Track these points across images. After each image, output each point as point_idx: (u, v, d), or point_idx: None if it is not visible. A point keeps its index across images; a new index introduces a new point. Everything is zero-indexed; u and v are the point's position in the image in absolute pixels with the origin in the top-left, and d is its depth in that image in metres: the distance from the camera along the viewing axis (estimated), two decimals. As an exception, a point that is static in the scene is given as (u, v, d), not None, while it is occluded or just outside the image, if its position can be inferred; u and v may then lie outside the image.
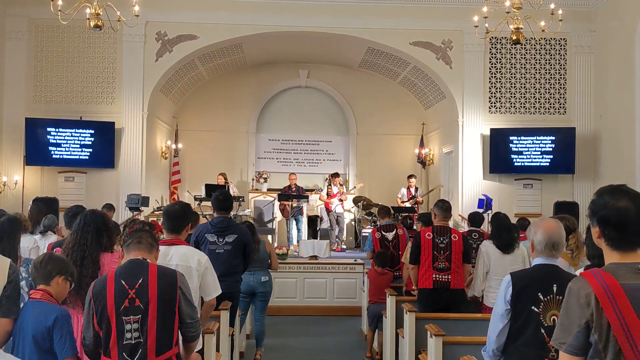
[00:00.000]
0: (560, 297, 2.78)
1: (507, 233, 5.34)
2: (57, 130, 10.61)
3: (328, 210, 11.92)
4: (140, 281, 2.78)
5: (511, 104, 11.32)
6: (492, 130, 11.07)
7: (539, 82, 11.30)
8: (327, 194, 11.89)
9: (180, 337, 2.95)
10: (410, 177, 12.07)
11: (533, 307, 2.79)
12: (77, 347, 2.81)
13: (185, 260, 3.62)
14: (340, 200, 11.88)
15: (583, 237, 4.57)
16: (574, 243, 4.54)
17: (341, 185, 12.27)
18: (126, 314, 2.74)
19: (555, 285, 2.81)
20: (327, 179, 13.70)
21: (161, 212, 10.80)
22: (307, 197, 11.70)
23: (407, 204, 11.74)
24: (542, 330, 2.78)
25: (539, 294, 2.80)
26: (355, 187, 12.49)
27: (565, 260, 4.48)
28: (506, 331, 2.83)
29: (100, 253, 3.44)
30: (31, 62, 10.78)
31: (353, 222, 12.96)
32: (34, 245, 5.36)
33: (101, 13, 7.64)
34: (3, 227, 3.58)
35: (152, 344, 2.74)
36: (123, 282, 2.78)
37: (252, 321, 6.81)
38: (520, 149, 11.06)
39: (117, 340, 2.73)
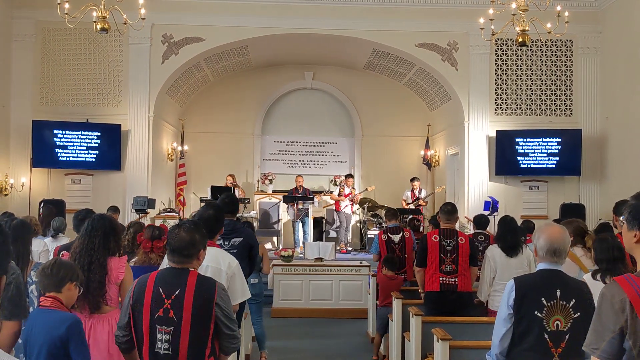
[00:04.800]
0: (564, 302, 2.78)
1: (511, 236, 5.33)
2: (63, 132, 10.66)
3: (337, 210, 11.98)
4: (177, 292, 2.70)
5: (517, 105, 11.29)
6: (498, 132, 11.05)
7: (545, 84, 11.27)
8: (339, 194, 11.96)
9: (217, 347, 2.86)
10: (413, 180, 12.06)
11: (536, 312, 2.78)
12: (89, 353, 2.81)
13: (216, 262, 3.55)
14: (352, 201, 11.93)
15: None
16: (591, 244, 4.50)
17: (353, 188, 12.37)
18: (159, 323, 2.69)
19: (558, 290, 2.80)
20: (332, 180, 13.73)
21: (167, 214, 10.88)
22: (312, 199, 11.72)
23: (412, 206, 11.74)
24: (546, 335, 2.77)
25: (543, 299, 2.79)
26: (366, 189, 12.49)
27: (575, 264, 4.46)
28: (509, 335, 2.83)
29: (107, 258, 3.45)
30: (38, 64, 10.84)
31: (358, 224, 12.96)
32: (43, 248, 5.37)
33: (107, 16, 7.68)
34: (16, 231, 3.59)
35: (184, 358, 2.69)
36: (161, 290, 2.71)
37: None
38: (526, 151, 11.03)
39: (148, 347, 2.70)
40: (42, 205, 7.41)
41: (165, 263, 3.74)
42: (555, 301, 2.79)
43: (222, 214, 4.05)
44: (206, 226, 3.66)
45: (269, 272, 6.56)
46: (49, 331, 2.74)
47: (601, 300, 1.99)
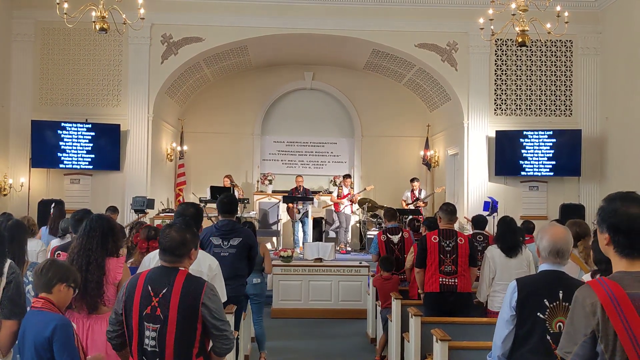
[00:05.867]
0: (567, 304, 2.76)
1: (511, 236, 5.31)
2: (62, 132, 10.64)
3: (337, 211, 11.98)
4: (164, 291, 2.74)
5: (517, 106, 11.28)
6: (497, 132, 11.04)
7: (545, 84, 11.26)
8: (338, 195, 11.96)
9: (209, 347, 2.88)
10: (412, 180, 12.07)
11: (539, 314, 2.76)
12: (78, 355, 2.80)
13: (196, 264, 3.56)
14: (351, 201, 11.94)
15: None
16: (583, 250, 4.51)
17: (352, 187, 12.35)
18: (147, 321, 2.74)
19: (561, 291, 2.78)
20: (332, 180, 13.73)
21: (167, 214, 10.86)
22: (312, 199, 11.71)
23: (412, 207, 11.75)
24: (548, 337, 2.75)
25: (545, 300, 2.78)
26: (365, 188, 12.51)
27: (576, 264, 4.46)
28: (512, 337, 2.81)
29: (105, 258, 3.44)
30: (37, 64, 10.82)
31: (358, 224, 12.95)
32: (41, 248, 5.37)
33: (107, 16, 7.67)
34: (12, 232, 3.59)
35: (170, 356, 2.72)
36: (149, 288, 2.76)
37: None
38: (525, 151, 11.02)
39: (137, 343, 2.75)
40: (52, 206, 7.44)
41: (145, 263, 3.76)
42: (557, 302, 2.77)
43: (202, 213, 4.10)
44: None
45: (270, 272, 6.56)
46: (37, 332, 2.73)
47: (574, 303, 1.98)
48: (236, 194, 11.35)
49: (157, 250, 3.60)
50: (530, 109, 11.26)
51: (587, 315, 1.89)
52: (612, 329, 1.85)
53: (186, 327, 2.73)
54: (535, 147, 11.00)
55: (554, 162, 10.98)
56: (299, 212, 11.54)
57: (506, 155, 11.03)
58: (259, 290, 6.33)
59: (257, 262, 6.17)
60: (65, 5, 7.46)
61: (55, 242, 5.96)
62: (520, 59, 11.25)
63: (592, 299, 1.90)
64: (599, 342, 1.87)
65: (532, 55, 11.23)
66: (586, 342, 1.90)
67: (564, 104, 11.27)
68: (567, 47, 11.24)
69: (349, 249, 11.96)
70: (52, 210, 7.22)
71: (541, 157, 11.00)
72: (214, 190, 11.09)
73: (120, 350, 2.91)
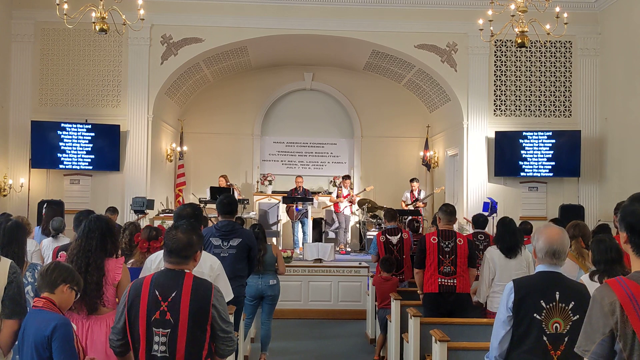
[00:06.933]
0: (563, 305, 2.78)
1: (510, 236, 5.32)
2: (62, 133, 10.64)
3: (337, 212, 11.99)
4: (173, 294, 2.71)
5: (516, 106, 11.29)
6: (497, 133, 11.05)
7: (544, 85, 11.27)
8: (337, 196, 11.98)
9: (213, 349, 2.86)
10: (412, 180, 12.08)
11: (535, 315, 2.77)
12: (77, 355, 2.79)
13: (197, 265, 3.59)
14: (350, 202, 11.95)
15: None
16: (575, 249, 4.53)
17: (351, 188, 12.36)
18: (156, 326, 2.70)
19: (557, 292, 2.79)
20: (331, 181, 13.74)
21: (166, 214, 10.87)
22: (311, 199, 11.71)
23: (411, 207, 11.76)
24: (545, 338, 2.77)
25: (541, 301, 2.78)
26: (365, 189, 12.51)
27: (575, 263, 4.47)
28: (508, 338, 2.83)
29: (104, 259, 3.44)
30: (37, 65, 10.83)
31: (358, 225, 12.96)
32: (35, 248, 5.38)
33: (106, 17, 7.68)
34: (12, 233, 3.60)
35: None
36: (157, 293, 2.72)
37: (258, 324, 6.81)
38: (525, 152, 11.02)
39: (145, 349, 2.71)
40: (45, 206, 7.44)
41: (147, 265, 3.75)
42: (554, 303, 2.78)
43: (200, 212, 4.09)
44: None
45: (284, 272, 6.58)
46: (37, 330, 2.74)
47: (592, 302, 2.00)
48: (235, 194, 11.36)
49: (159, 252, 3.61)
50: (529, 109, 11.27)
51: (606, 315, 1.91)
52: (631, 327, 1.87)
53: (197, 330, 2.71)
54: (535, 148, 11.01)
55: (553, 163, 10.98)
56: (299, 213, 11.53)
57: (505, 156, 11.04)
58: (276, 291, 6.35)
59: (270, 263, 6.21)
60: (65, 6, 7.47)
61: (47, 241, 5.98)
62: (520, 60, 11.26)
63: (610, 298, 1.92)
64: (617, 340, 1.89)
65: (531, 56, 11.24)
66: (604, 341, 1.92)
67: (564, 105, 11.28)
68: (566, 48, 11.25)
69: (348, 249, 11.97)
70: (44, 210, 7.22)
71: (540, 157, 11.00)
72: (214, 190, 11.10)
73: (123, 356, 2.87)
